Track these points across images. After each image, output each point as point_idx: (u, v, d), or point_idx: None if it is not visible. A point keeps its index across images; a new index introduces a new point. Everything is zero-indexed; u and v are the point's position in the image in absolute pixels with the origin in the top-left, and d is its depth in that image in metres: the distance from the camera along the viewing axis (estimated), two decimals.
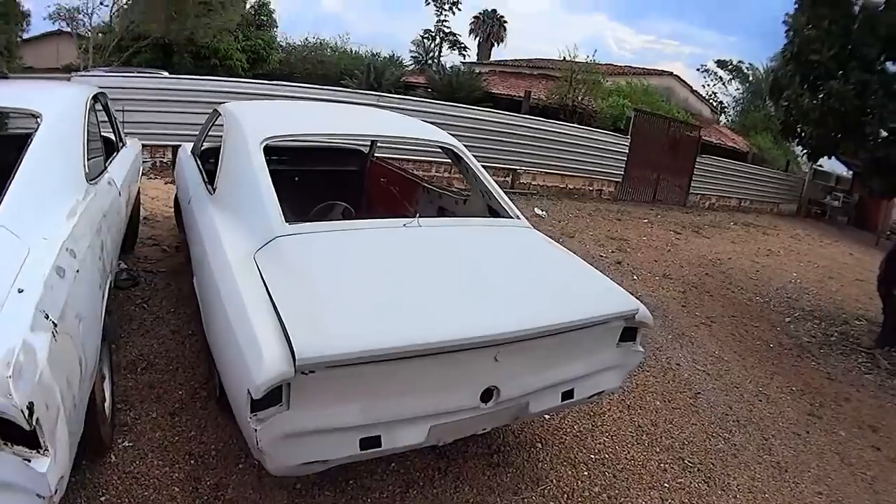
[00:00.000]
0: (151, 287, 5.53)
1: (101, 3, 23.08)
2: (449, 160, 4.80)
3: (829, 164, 18.57)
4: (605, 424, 4.34)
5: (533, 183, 15.60)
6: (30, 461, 1.84)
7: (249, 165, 3.62)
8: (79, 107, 3.88)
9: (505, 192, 4.36)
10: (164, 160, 10.50)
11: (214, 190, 4.07)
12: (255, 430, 2.28)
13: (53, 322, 2.11)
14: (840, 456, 4.76)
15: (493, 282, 3.13)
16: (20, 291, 2.08)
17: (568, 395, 3.11)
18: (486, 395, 2.72)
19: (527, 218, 4.20)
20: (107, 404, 3.15)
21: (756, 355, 6.56)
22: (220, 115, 4.91)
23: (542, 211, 12.49)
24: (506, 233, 3.98)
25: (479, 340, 2.58)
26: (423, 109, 13.93)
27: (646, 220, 14.51)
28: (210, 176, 4.36)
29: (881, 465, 4.81)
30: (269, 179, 3.50)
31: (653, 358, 5.76)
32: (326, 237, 3.30)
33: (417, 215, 3.65)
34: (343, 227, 3.51)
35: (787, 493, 4.11)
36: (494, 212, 4.27)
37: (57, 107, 3.60)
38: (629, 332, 3.32)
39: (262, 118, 4.51)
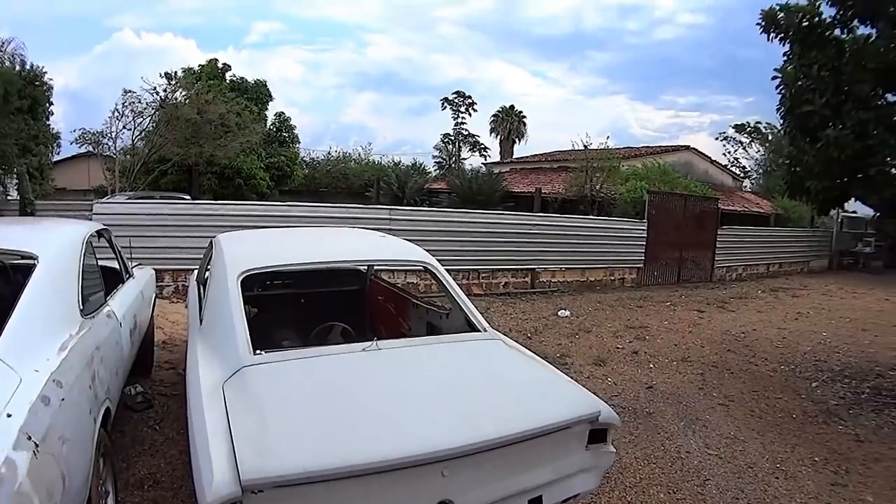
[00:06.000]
0: (165, 409, 5.81)
1: (124, 128, 24.02)
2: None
3: (861, 209, 18.35)
4: None
5: (553, 280, 15.67)
6: None
7: (226, 298, 3.84)
8: (74, 248, 4.17)
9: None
10: (187, 284, 10.57)
11: (202, 321, 4.30)
12: None
13: (35, 443, 2.40)
14: None
15: (443, 399, 3.22)
16: (8, 416, 2.40)
17: (536, 501, 3.12)
18: None
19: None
20: None
21: (776, 430, 6.36)
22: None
23: (566, 311, 12.46)
24: (467, 347, 4.07)
25: (418, 458, 2.67)
26: (436, 219, 14.38)
27: (668, 304, 14.44)
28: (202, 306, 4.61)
29: None
30: (242, 312, 3.71)
31: (661, 448, 5.67)
32: (288, 365, 3.46)
33: (410, 330, 3.73)
34: (306, 355, 3.66)
35: None
36: (471, 324, 4.38)
37: (53, 248, 3.90)
38: (599, 433, 3.34)
39: (245, 250, 4.74)
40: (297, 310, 6.49)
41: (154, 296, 7.02)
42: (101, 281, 4.69)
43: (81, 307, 3.82)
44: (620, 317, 12.39)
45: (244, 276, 4.01)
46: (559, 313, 12.34)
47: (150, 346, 6.65)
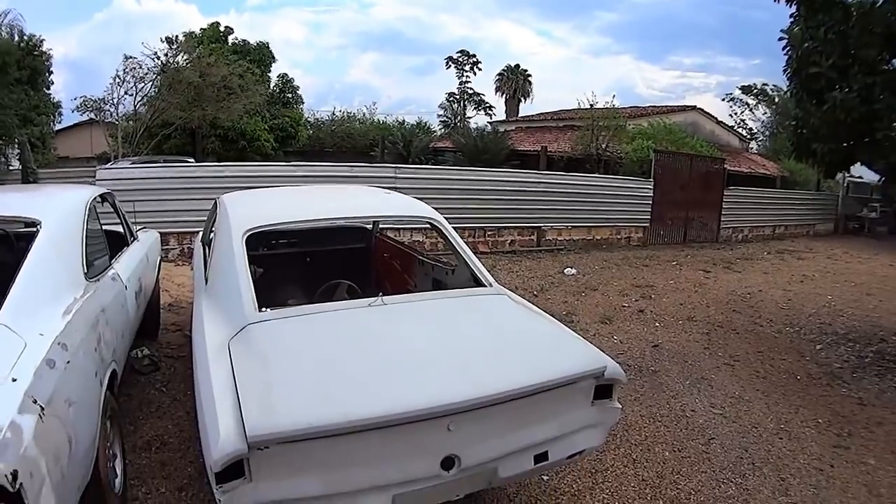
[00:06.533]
0: (171, 371, 5.84)
1: (126, 94, 23.92)
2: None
3: (867, 174, 18.11)
4: (607, 481, 4.29)
5: (559, 238, 15.62)
6: None
7: (231, 256, 3.84)
8: (77, 212, 4.17)
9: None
10: (192, 247, 10.46)
11: (207, 281, 4.32)
12: (220, 500, 2.47)
13: (41, 406, 2.41)
14: (868, 487, 4.49)
15: (449, 354, 3.22)
16: (14, 380, 2.42)
17: (542, 457, 3.13)
18: (448, 463, 2.79)
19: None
20: (118, 481, 3.48)
21: (780, 390, 6.36)
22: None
23: (572, 269, 12.45)
24: (473, 302, 4.06)
25: (423, 413, 2.68)
26: (442, 177, 14.28)
27: (674, 263, 14.39)
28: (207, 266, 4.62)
29: None
30: (247, 270, 3.72)
31: (666, 406, 5.70)
32: (293, 322, 3.47)
33: (415, 286, 3.73)
34: (311, 311, 3.65)
35: None
36: (477, 279, 4.36)
37: (55, 214, 3.90)
38: (604, 389, 3.33)
39: (249, 209, 4.70)
40: (302, 268, 6.49)
41: (159, 258, 7.03)
42: (105, 245, 4.68)
43: (86, 270, 3.83)
44: (626, 275, 12.38)
45: (249, 234, 4.00)
46: (565, 271, 12.35)
47: (156, 308, 6.68)
